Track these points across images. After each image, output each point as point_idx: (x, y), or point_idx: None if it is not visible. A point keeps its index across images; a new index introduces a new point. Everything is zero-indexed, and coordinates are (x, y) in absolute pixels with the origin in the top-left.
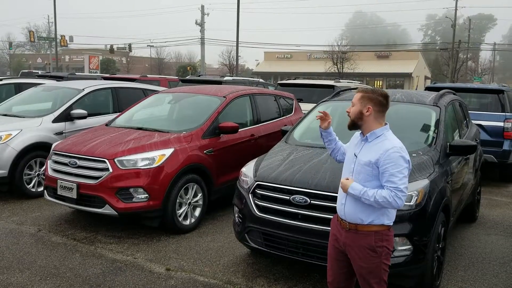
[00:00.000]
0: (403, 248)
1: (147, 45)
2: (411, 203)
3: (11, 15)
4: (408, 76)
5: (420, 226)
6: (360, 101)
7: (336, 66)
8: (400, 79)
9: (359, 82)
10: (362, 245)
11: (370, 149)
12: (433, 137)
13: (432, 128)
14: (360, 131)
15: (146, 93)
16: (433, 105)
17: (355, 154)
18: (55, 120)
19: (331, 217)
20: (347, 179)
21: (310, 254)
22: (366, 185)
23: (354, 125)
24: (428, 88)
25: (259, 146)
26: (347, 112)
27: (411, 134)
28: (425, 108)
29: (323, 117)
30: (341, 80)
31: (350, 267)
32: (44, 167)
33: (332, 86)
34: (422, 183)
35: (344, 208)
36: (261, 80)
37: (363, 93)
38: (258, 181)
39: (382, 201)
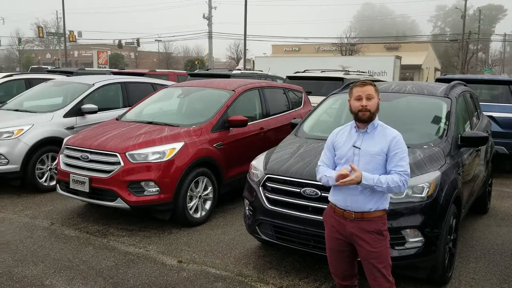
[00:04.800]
0: (414, 240)
1: (155, 40)
2: (422, 195)
3: (19, 11)
4: (417, 68)
5: (432, 218)
6: (376, 93)
7: None
8: (409, 71)
9: (369, 75)
10: (370, 230)
11: (373, 139)
12: (444, 129)
13: (443, 120)
14: (355, 125)
15: (155, 88)
16: (444, 97)
17: (355, 146)
18: (66, 115)
19: None
20: (350, 171)
21: (321, 246)
22: (374, 173)
23: (372, 118)
24: (438, 80)
25: (268, 140)
26: (363, 106)
27: (422, 126)
28: (436, 99)
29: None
30: (350, 72)
31: (352, 255)
32: (56, 161)
33: (341, 79)
34: (434, 175)
35: (347, 198)
36: (269, 73)
37: (374, 85)
38: (268, 174)
39: (394, 186)
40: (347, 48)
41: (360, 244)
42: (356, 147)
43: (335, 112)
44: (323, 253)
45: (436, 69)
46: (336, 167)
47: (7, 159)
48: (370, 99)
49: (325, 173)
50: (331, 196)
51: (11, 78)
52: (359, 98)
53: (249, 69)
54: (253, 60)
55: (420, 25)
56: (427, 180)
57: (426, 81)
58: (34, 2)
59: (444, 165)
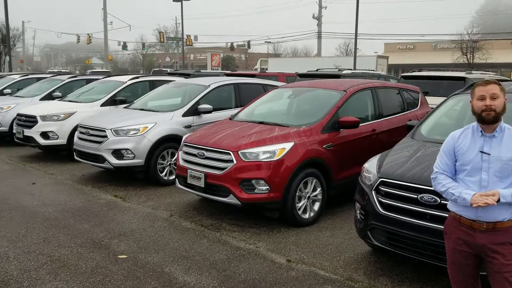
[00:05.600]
0: None
1: (265, 41)
2: None
3: (144, 18)
4: None
5: None
6: (502, 93)
7: (465, 57)
8: None
9: (494, 73)
10: (505, 241)
11: (503, 144)
12: None
13: None
14: (480, 128)
15: (265, 88)
16: None
17: (484, 152)
18: (185, 114)
19: None
20: (489, 194)
21: (439, 257)
22: (505, 181)
23: (498, 119)
24: None
25: (380, 142)
26: (487, 105)
27: None
28: None
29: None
30: (473, 72)
31: (477, 268)
32: (175, 157)
33: (462, 78)
34: None
35: (478, 208)
36: (382, 72)
37: (499, 84)
38: (382, 178)
39: None
40: (468, 46)
41: (493, 256)
42: (485, 153)
43: (457, 114)
44: (441, 264)
45: None
46: (457, 174)
47: (133, 153)
48: (495, 98)
49: (452, 191)
50: (455, 207)
51: (137, 80)
52: (482, 98)
53: (266, 69)
54: (261, 60)
55: None
56: None
57: None
58: (156, 10)
59: None
